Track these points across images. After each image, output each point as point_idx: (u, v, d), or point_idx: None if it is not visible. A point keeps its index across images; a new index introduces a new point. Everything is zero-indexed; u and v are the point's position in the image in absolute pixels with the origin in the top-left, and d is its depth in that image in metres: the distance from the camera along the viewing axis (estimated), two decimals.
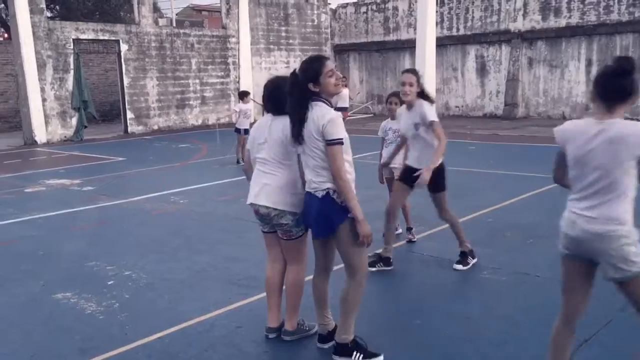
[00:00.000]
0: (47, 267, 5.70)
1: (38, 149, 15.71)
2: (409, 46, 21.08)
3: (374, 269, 5.11)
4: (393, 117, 6.18)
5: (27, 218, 7.72)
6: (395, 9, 22.92)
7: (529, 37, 19.53)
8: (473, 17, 20.80)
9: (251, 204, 3.76)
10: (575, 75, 18.77)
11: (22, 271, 5.60)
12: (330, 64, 3.45)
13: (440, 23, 20.73)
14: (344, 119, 14.83)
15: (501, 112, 20.18)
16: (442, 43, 20.13)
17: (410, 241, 6.08)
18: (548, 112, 19.45)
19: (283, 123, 3.57)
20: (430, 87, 17.50)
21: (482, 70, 20.80)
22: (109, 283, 5.16)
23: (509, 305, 4.46)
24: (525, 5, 19.55)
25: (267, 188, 3.68)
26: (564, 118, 18.96)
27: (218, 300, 4.61)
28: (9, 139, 17.63)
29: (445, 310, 4.38)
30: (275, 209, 3.65)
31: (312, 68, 3.40)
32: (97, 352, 3.84)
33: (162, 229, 7.05)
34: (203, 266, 5.51)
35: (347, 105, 14.08)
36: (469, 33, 20.90)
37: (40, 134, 16.49)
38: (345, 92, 14.15)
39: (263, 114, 3.99)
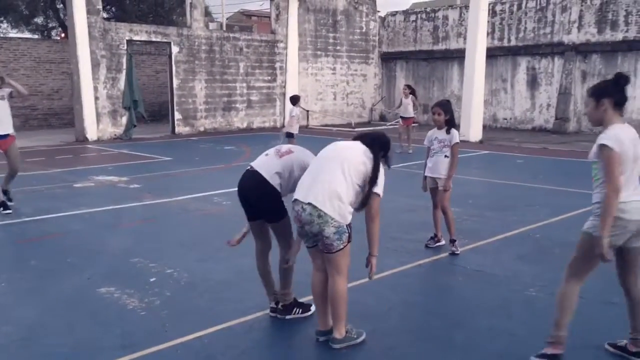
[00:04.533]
0: (93, 261, 5.81)
1: (89, 145, 16.16)
2: (458, 56, 20.80)
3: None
4: (439, 127, 6.10)
5: (76, 212, 7.92)
6: (446, 18, 22.68)
7: (584, 50, 18.99)
8: (525, 28, 20.38)
9: None
10: (631, 90, 18.10)
11: (69, 264, 5.73)
12: None
13: (490, 33, 20.38)
14: (409, 125, 14.73)
15: (551, 126, 19.66)
16: (492, 54, 19.77)
17: (453, 254, 5.94)
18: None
19: None
20: (478, 98, 17.22)
21: (532, 83, 20.34)
22: (151, 280, 5.22)
23: None
24: (580, 17, 19.04)
25: None
26: None
27: (258, 303, 4.60)
28: (62, 135, 18.20)
29: (489, 327, 4.25)
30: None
31: None
32: (137, 348, 3.87)
33: (204, 229, 7.12)
34: (243, 268, 5.51)
35: (411, 115, 14.15)
36: (520, 44, 20.48)
37: (92, 132, 16.95)
38: (407, 101, 14.14)
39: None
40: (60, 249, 6.29)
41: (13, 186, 8.27)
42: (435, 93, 22.66)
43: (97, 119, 17.10)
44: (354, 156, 3.79)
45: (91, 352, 3.86)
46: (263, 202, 4.06)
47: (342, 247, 3.71)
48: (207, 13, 27.07)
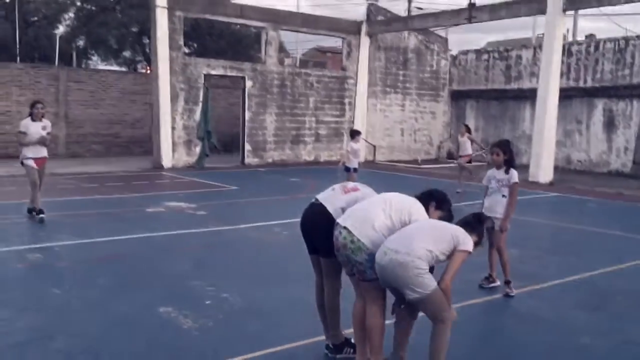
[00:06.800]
0: (155, 282, 6.13)
1: (164, 172, 16.95)
2: (531, 96, 20.40)
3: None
4: (498, 167, 6.10)
5: (144, 235, 8.36)
6: (519, 57, 22.41)
7: None
8: (603, 69, 19.80)
9: None
10: None
11: (133, 284, 6.06)
12: None
13: (566, 73, 19.94)
14: (469, 162, 14.60)
15: (629, 170, 18.84)
16: (567, 94, 19.29)
17: (507, 295, 5.84)
18: None
19: None
20: (549, 139, 16.79)
21: (609, 125, 19.63)
22: (207, 302, 5.45)
23: None
24: None
25: None
26: None
27: (306, 332, 4.71)
28: (140, 162, 19.17)
29: None
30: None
31: None
32: None
33: (262, 257, 7.34)
34: (296, 296, 5.66)
35: (467, 152, 14.06)
36: (597, 85, 19.89)
37: (167, 159, 17.81)
38: (463, 139, 14.09)
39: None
40: (126, 269, 6.67)
41: (91, 209, 8.81)
42: (506, 134, 22.24)
43: (172, 148, 17.96)
44: (399, 200, 3.98)
45: None
46: (322, 234, 4.06)
47: (375, 276, 3.76)
48: (283, 49, 28.00)
